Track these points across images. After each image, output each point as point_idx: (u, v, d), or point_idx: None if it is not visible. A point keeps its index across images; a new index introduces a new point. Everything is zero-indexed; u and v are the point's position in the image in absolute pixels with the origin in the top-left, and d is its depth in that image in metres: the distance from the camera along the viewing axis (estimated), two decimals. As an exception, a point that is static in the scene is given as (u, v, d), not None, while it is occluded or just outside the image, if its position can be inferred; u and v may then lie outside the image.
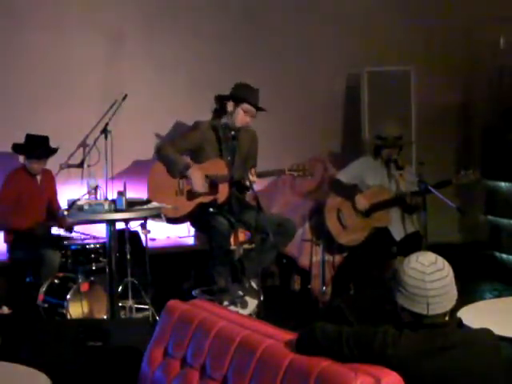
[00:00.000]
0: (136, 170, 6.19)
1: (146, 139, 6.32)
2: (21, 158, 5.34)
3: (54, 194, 5.43)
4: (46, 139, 5.19)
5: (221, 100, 5.00)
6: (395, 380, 2.08)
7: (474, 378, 2.16)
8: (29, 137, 5.15)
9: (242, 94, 4.88)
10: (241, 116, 4.88)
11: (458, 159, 7.44)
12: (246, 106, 4.86)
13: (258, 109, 4.92)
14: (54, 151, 5.23)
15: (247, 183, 4.70)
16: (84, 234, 5.34)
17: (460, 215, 6.50)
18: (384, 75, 6.69)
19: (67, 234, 5.28)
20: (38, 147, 5.14)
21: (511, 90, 6.83)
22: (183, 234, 6.10)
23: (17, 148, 5.23)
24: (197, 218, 4.96)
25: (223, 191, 4.89)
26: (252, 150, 5.10)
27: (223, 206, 4.91)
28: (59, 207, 5.28)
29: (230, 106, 4.91)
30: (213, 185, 4.89)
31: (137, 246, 5.36)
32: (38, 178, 5.29)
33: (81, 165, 5.66)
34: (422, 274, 2.19)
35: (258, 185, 5.01)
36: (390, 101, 6.58)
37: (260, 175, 4.81)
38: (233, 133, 4.88)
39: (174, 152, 4.91)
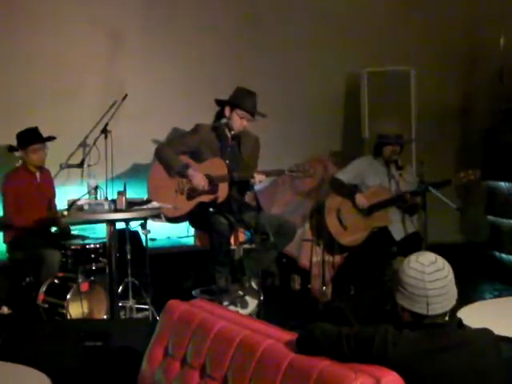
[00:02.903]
0: (136, 169, 6.20)
1: (146, 139, 6.32)
2: (19, 160, 5.34)
3: (53, 193, 5.44)
4: (35, 128, 5.19)
5: (220, 104, 5.04)
6: (395, 380, 2.08)
7: (473, 378, 2.16)
8: (19, 133, 5.17)
9: (237, 99, 4.90)
10: (237, 120, 4.90)
11: (458, 159, 7.44)
12: (240, 111, 4.89)
13: (253, 115, 4.93)
14: (49, 138, 5.23)
15: (252, 181, 4.72)
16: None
17: (460, 215, 6.51)
18: (384, 75, 6.69)
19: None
20: (31, 136, 5.15)
21: (511, 90, 6.82)
22: (183, 234, 6.10)
23: (12, 148, 5.24)
24: (197, 217, 4.97)
25: (223, 190, 4.90)
26: (253, 156, 5.10)
27: (223, 206, 4.92)
28: (56, 207, 5.28)
29: (226, 110, 4.95)
30: (212, 184, 4.90)
31: (137, 246, 5.36)
32: (38, 175, 5.30)
33: (81, 165, 5.66)
34: (421, 274, 2.19)
35: (258, 185, 5.00)
36: (390, 101, 6.59)
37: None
38: (233, 132, 4.89)
39: (173, 153, 4.93)
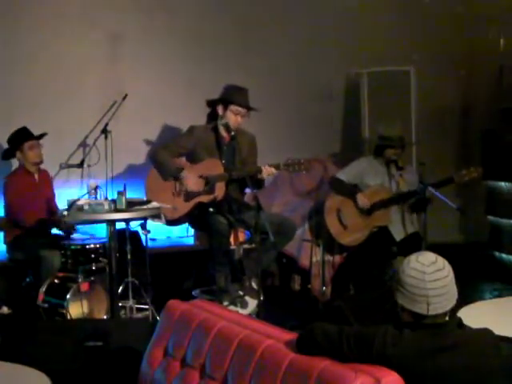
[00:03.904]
0: (136, 169, 6.20)
1: (146, 139, 6.32)
2: (16, 162, 5.35)
3: (52, 193, 5.44)
4: (24, 127, 5.20)
5: (211, 104, 5.02)
6: (395, 380, 2.08)
7: (473, 378, 2.16)
8: (10, 136, 5.18)
9: (229, 96, 4.90)
10: (231, 117, 4.90)
11: (458, 159, 7.44)
12: (234, 107, 4.88)
13: (248, 108, 4.92)
14: (41, 135, 5.23)
15: (260, 176, 4.73)
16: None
17: (460, 215, 6.50)
18: (384, 75, 6.69)
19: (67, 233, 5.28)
20: (23, 134, 5.15)
21: (511, 90, 6.82)
22: (183, 234, 6.10)
23: (7, 154, 5.25)
24: (196, 218, 4.96)
25: (220, 189, 4.89)
26: (251, 155, 5.09)
27: (222, 206, 4.92)
28: (57, 207, 5.28)
29: (219, 109, 4.94)
30: (209, 184, 4.89)
31: (137, 246, 5.36)
32: (36, 177, 5.30)
33: (81, 165, 5.66)
34: (422, 274, 2.19)
35: (267, 178, 4.95)
36: (390, 101, 6.58)
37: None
38: (233, 133, 4.87)
39: (168, 156, 4.93)
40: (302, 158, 4.85)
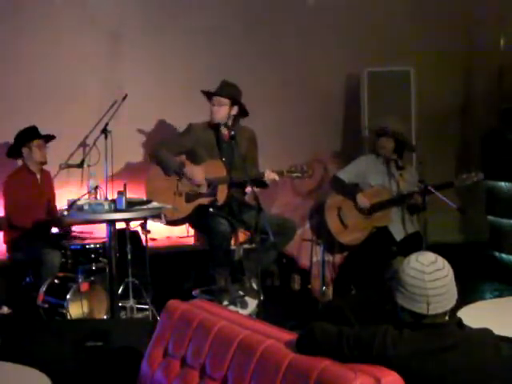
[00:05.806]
0: (136, 169, 6.20)
1: (145, 139, 6.32)
2: (19, 161, 5.34)
3: (53, 194, 5.44)
4: (34, 126, 5.20)
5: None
6: (395, 380, 2.08)
7: (473, 378, 2.16)
8: (20, 132, 5.18)
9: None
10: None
11: (458, 159, 7.44)
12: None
13: (210, 94, 4.93)
14: (50, 136, 5.23)
15: (265, 180, 4.74)
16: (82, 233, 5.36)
17: (460, 215, 6.50)
18: (384, 75, 6.68)
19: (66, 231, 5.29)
20: (34, 132, 5.15)
21: (511, 91, 6.82)
22: (183, 234, 6.10)
23: (12, 150, 5.25)
24: (197, 219, 4.95)
25: (222, 192, 4.88)
26: (250, 149, 5.07)
27: (223, 207, 4.91)
28: (56, 208, 5.28)
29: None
30: (211, 186, 4.88)
31: (137, 246, 5.36)
32: (38, 177, 5.30)
33: (81, 165, 5.66)
34: (421, 274, 2.19)
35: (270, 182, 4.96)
36: (390, 101, 6.57)
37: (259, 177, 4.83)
38: (232, 133, 4.85)
39: (168, 153, 4.91)
40: (304, 165, 4.85)
